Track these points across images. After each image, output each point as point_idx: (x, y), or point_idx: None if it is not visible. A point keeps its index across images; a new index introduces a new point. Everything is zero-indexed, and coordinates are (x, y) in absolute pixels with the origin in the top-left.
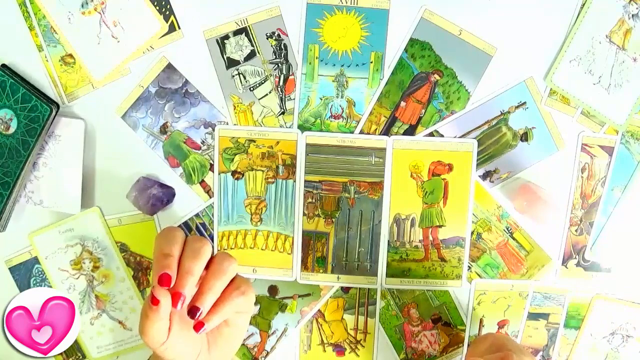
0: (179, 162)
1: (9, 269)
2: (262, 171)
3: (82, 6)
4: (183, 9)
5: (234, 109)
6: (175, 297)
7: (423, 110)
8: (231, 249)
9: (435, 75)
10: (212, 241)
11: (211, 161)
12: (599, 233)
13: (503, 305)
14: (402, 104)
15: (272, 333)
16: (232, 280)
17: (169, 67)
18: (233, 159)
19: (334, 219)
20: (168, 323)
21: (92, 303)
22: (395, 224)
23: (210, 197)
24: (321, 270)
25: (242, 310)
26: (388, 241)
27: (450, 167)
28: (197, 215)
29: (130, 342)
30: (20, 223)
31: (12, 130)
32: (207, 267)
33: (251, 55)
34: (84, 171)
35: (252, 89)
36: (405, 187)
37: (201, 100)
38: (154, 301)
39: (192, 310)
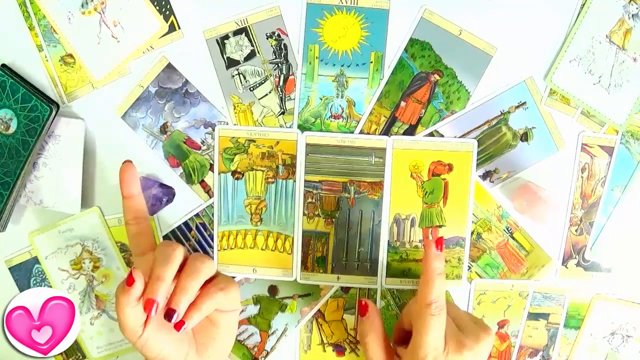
0: (179, 162)
1: (9, 269)
2: (262, 171)
3: (82, 6)
4: (183, 9)
5: (234, 109)
6: (148, 304)
7: (423, 110)
8: (231, 249)
9: (435, 75)
10: (212, 241)
11: (211, 161)
12: (599, 233)
13: (503, 305)
14: (402, 104)
15: (272, 333)
16: (212, 278)
17: (169, 67)
18: (233, 159)
19: (334, 219)
20: (142, 315)
21: (92, 303)
22: (395, 224)
23: (210, 197)
24: (321, 270)
25: (225, 308)
26: (388, 241)
27: (450, 167)
28: (197, 215)
29: None
30: (20, 223)
31: (12, 130)
32: (181, 269)
33: (251, 55)
34: (84, 171)
35: (252, 89)
36: (405, 187)
37: (201, 100)
38: (129, 281)
39: (168, 313)
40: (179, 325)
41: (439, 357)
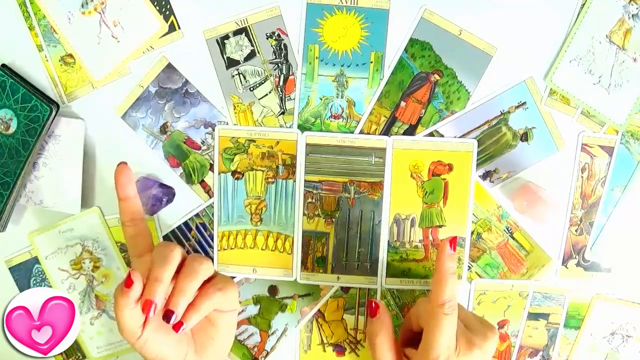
0: (179, 162)
1: (9, 269)
2: (262, 171)
3: (82, 6)
4: (183, 9)
5: (234, 109)
6: (146, 305)
7: (423, 110)
8: (231, 249)
9: (435, 75)
10: (212, 241)
11: (211, 161)
12: (599, 233)
13: (503, 305)
14: (402, 104)
15: (272, 333)
16: (210, 279)
17: (169, 67)
18: (233, 159)
19: (334, 219)
20: (141, 316)
21: (92, 303)
22: (395, 224)
23: (210, 197)
24: (321, 270)
25: (224, 309)
26: (388, 241)
27: (450, 167)
28: (197, 215)
29: None
30: (20, 223)
31: (12, 130)
32: (179, 270)
33: (251, 55)
34: (84, 171)
35: (252, 89)
36: (405, 187)
37: (201, 100)
38: (128, 282)
39: (167, 314)
40: (177, 327)
41: (451, 357)
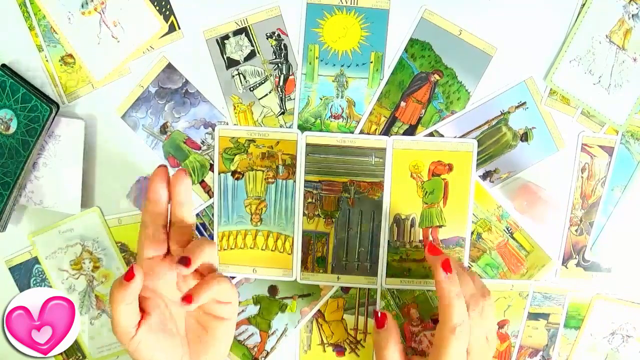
0: (179, 162)
1: (9, 269)
2: (262, 171)
3: (82, 6)
4: (183, 9)
5: (234, 109)
6: (185, 261)
7: (423, 110)
8: (231, 249)
9: (435, 75)
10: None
11: (211, 161)
12: (599, 233)
13: (503, 305)
14: (402, 104)
15: (272, 333)
16: (212, 272)
17: (169, 67)
18: (233, 159)
19: (334, 219)
20: (137, 315)
21: (92, 303)
22: (395, 224)
23: (210, 197)
24: (321, 270)
25: (223, 301)
26: (388, 241)
27: (450, 167)
28: (197, 215)
29: None
30: (20, 223)
31: (12, 130)
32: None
33: (251, 55)
34: (84, 171)
35: (252, 89)
36: (405, 187)
37: (201, 100)
38: (129, 275)
39: (183, 260)
40: (187, 299)
41: None
